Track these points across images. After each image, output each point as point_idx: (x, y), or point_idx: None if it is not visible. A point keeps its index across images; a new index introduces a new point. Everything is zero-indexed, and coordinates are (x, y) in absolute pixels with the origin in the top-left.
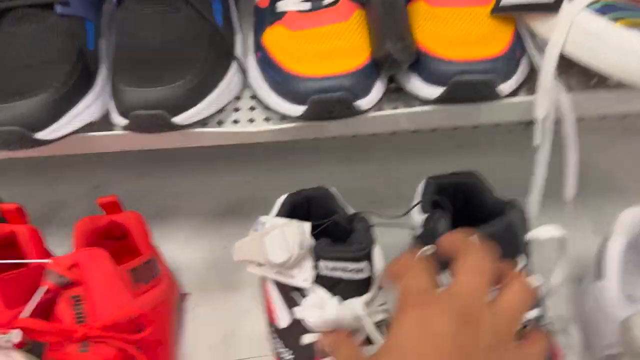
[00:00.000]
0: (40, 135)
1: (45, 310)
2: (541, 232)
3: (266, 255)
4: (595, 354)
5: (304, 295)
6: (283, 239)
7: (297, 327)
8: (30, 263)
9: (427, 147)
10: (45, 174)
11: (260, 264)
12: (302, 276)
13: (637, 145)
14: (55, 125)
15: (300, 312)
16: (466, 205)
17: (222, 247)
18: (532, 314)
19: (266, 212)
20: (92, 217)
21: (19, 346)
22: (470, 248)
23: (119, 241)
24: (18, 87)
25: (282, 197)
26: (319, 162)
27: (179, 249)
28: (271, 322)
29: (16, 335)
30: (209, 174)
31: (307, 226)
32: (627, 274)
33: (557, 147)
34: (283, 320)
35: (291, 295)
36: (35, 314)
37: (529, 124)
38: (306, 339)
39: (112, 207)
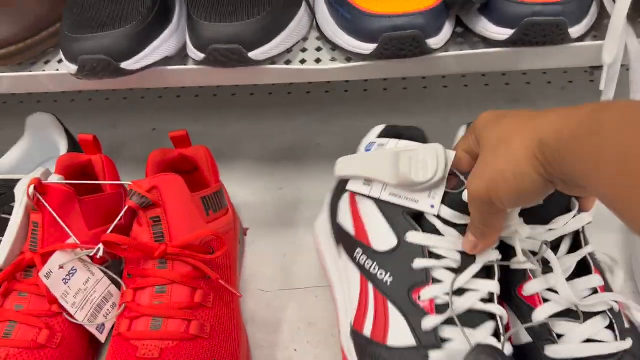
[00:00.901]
0: (125, 64)
1: (123, 233)
2: None
3: (405, 174)
4: None
5: (418, 222)
6: (420, 159)
7: (404, 251)
8: (107, 189)
9: (479, 100)
10: (107, 117)
11: (368, 181)
12: (430, 202)
13: None
14: (138, 57)
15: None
16: None
17: (277, 188)
18: (588, 249)
19: (317, 157)
20: (164, 150)
21: (100, 263)
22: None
23: (188, 174)
24: (105, 19)
25: (379, 127)
26: (369, 112)
27: (236, 189)
28: (364, 244)
29: (99, 250)
30: (262, 121)
31: (450, 154)
32: None
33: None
34: (384, 243)
35: (402, 218)
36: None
37: (595, 69)
38: (417, 263)
39: (182, 141)
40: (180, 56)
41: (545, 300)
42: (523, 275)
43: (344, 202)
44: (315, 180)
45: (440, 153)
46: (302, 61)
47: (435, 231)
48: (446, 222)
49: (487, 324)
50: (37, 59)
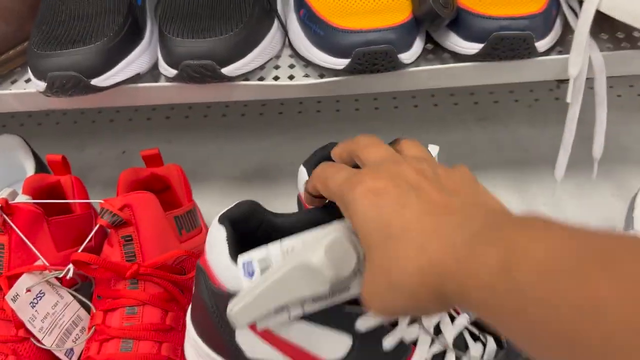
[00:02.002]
0: (95, 81)
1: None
2: None
3: (333, 275)
4: None
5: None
6: (334, 250)
7: (365, 342)
8: (77, 210)
9: (449, 119)
10: (75, 140)
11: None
12: (358, 281)
13: None
14: (109, 73)
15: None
16: None
17: None
18: None
19: (291, 176)
20: (136, 169)
21: (69, 285)
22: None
23: (160, 194)
24: (75, 36)
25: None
26: (341, 131)
27: (210, 208)
28: None
29: (68, 271)
30: (234, 141)
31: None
32: None
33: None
34: (338, 348)
35: (342, 314)
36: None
37: (561, 82)
38: (387, 342)
39: (154, 159)
40: (152, 73)
41: None
42: None
43: (249, 339)
44: (288, 199)
45: (344, 231)
46: (276, 78)
47: None
48: None
49: (475, 344)
50: (4, 78)
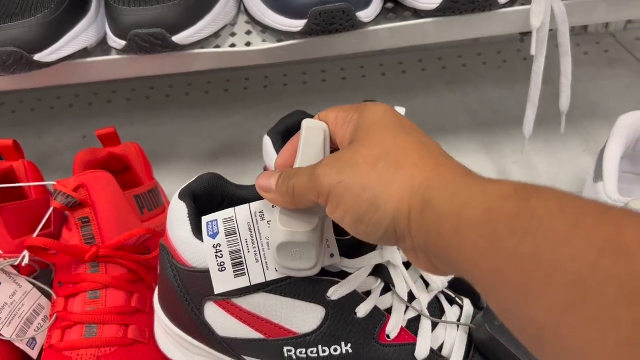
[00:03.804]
0: (38, 57)
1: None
2: None
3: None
4: None
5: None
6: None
7: (338, 311)
8: (32, 195)
9: (418, 85)
10: (33, 128)
11: (239, 270)
12: (328, 252)
13: (621, 76)
14: (53, 48)
15: None
16: None
17: None
18: None
19: (259, 152)
20: (92, 149)
21: (27, 274)
22: None
23: (120, 175)
24: (14, 9)
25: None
26: (309, 104)
27: (176, 188)
28: (288, 337)
29: (24, 258)
30: (199, 120)
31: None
32: (621, 183)
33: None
34: (312, 320)
35: (311, 284)
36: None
37: (525, 35)
38: (361, 310)
39: (110, 138)
40: (103, 48)
41: None
42: None
43: (218, 316)
44: (256, 175)
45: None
46: (232, 45)
47: (346, 272)
48: (350, 255)
49: (452, 308)
50: None
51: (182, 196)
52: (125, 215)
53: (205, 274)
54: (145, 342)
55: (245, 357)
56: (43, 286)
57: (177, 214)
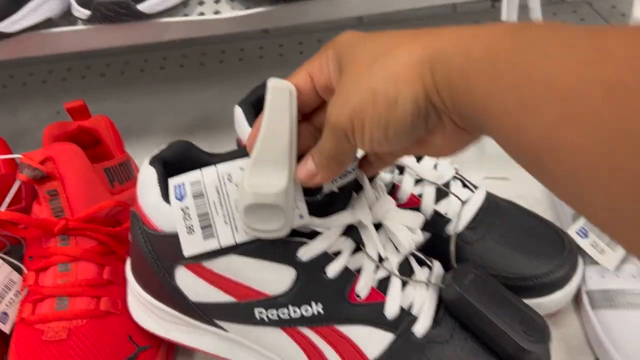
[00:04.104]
0: (0, 27)
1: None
2: None
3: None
4: None
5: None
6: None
7: (308, 272)
8: (0, 170)
9: None
10: (6, 106)
11: (208, 232)
12: (297, 213)
13: None
14: (13, 17)
15: None
16: None
17: None
18: None
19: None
20: (61, 123)
21: None
22: None
23: (91, 149)
24: None
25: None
26: (287, 76)
27: None
28: (259, 299)
29: None
30: (174, 94)
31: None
32: None
33: None
34: (282, 281)
35: (279, 246)
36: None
37: (495, 1)
38: (331, 270)
39: (80, 111)
40: (70, 19)
41: None
42: None
43: (189, 280)
44: (231, 148)
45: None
46: (201, 14)
47: (317, 233)
48: (320, 216)
49: (421, 269)
50: None
51: (152, 162)
52: (94, 187)
53: (175, 238)
54: (117, 313)
55: (217, 321)
56: (14, 261)
57: (147, 179)
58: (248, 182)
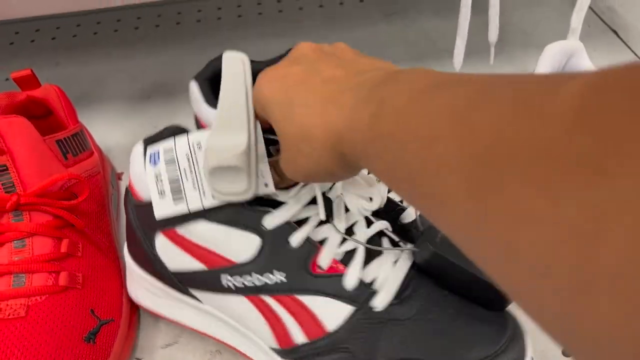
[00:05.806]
0: None
1: None
2: None
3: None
4: None
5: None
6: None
7: (273, 240)
8: None
9: (356, 16)
10: None
11: (178, 196)
12: (261, 182)
13: (554, 5)
14: None
15: None
16: None
17: (152, 126)
18: None
19: None
20: (9, 93)
21: None
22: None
23: (42, 120)
24: None
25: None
26: (244, 38)
27: (106, 131)
28: (225, 266)
29: None
30: (129, 58)
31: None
32: None
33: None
34: (247, 249)
35: (245, 213)
36: None
37: None
38: (294, 240)
39: (28, 81)
40: None
41: None
42: None
43: (166, 248)
44: (189, 116)
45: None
46: None
47: (280, 202)
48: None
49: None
50: None
51: (144, 142)
52: (46, 161)
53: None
54: (78, 287)
55: (192, 290)
56: None
57: (135, 154)
58: (211, 145)
